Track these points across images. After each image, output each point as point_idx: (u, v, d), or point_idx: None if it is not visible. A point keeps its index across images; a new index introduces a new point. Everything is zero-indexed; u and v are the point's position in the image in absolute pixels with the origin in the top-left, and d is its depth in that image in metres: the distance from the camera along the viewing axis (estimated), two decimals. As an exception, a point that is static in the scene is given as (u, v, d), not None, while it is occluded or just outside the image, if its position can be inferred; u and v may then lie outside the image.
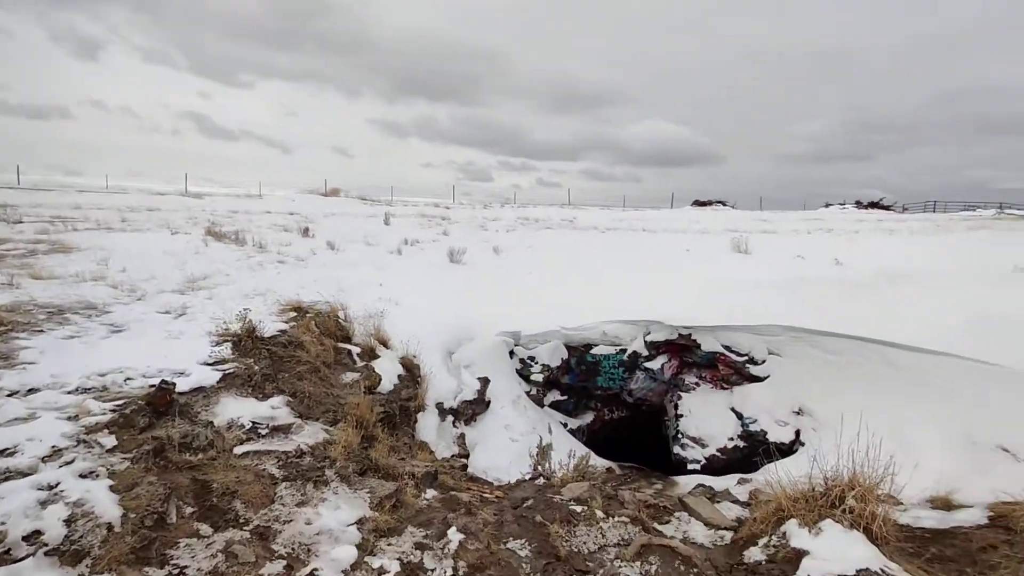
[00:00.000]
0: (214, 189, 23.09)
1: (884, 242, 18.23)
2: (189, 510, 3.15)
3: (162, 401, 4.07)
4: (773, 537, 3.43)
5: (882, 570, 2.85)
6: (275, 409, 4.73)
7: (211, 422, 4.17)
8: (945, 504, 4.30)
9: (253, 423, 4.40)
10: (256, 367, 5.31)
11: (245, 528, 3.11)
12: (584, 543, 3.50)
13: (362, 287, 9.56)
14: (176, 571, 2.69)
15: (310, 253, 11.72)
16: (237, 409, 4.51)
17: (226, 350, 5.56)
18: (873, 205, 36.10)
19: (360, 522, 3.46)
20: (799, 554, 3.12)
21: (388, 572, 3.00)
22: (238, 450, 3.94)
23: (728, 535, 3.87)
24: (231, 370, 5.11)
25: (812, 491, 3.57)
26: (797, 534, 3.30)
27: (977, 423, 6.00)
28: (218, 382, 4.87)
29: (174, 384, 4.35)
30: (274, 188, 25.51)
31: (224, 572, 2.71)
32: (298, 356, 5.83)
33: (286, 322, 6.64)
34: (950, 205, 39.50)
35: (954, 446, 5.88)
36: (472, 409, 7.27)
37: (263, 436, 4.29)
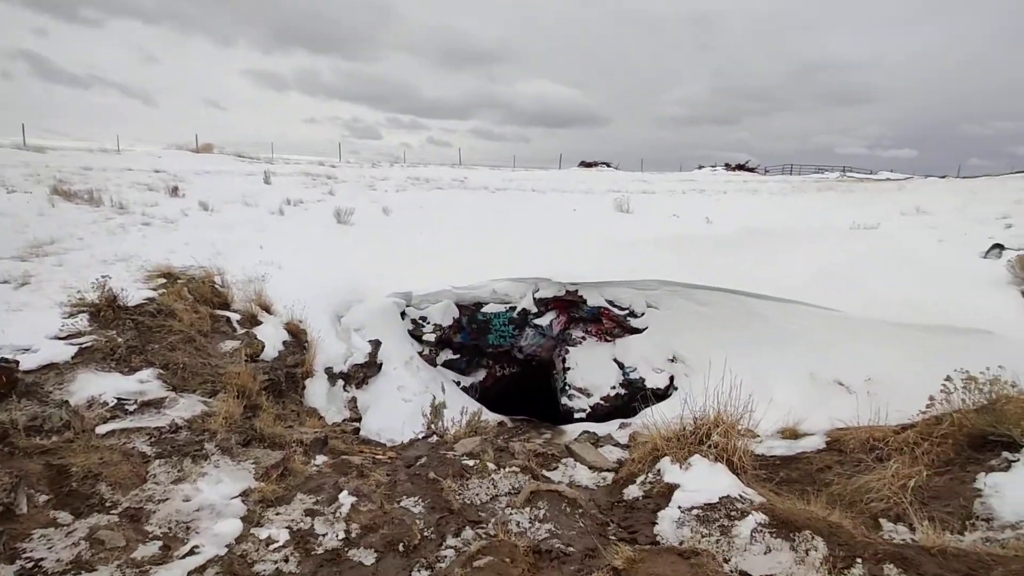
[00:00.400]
0: (61, 142, 20.14)
1: (748, 202, 19.81)
2: (44, 498, 2.86)
3: (2, 382, 3.63)
4: (649, 474, 3.73)
5: (740, 495, 3.20)
6: (144, 383, 4.38)
7: (66, 401, 3.78)
8: (793, 434, 4.88)
9: (118, 399, 4.05)
10: (120, 339, 4.86)
11: (113, 512, 2.88)
12: (476, 495, 3.61)
13: (241, 250, 8.96)
14: (30, 564, 2.45)
15: (180, 214, 10.71)
16: (98, 385, 4.12)
17: (82, 322, 5.03)
18: (740, 167, 38.99)
19: (245, 494, 3.32)
20: (671, 488, 3.42)
21: (277, 541, 2.92)
22: (101, 429, 3.62)
23: (610, 476, 4.15)
24: (89, 344, 4.64)
25: (683, 430, 3.90)
26: (670, 470, 3.60)
27: (820, 362, 6.82)
28: (73, 357, 4.41)
29: (17, 362, 3.89)
30: (135, 143, 22.79)
31: (89, 560, 2.51)
32: (169, 325, 5.40)
33: (154, 289, 6.11)
34: (804, 168, 43.53)
35: (801, 383, 6.65)
36: (363, 372, 7.16)
37: (131, 413, 3.97)
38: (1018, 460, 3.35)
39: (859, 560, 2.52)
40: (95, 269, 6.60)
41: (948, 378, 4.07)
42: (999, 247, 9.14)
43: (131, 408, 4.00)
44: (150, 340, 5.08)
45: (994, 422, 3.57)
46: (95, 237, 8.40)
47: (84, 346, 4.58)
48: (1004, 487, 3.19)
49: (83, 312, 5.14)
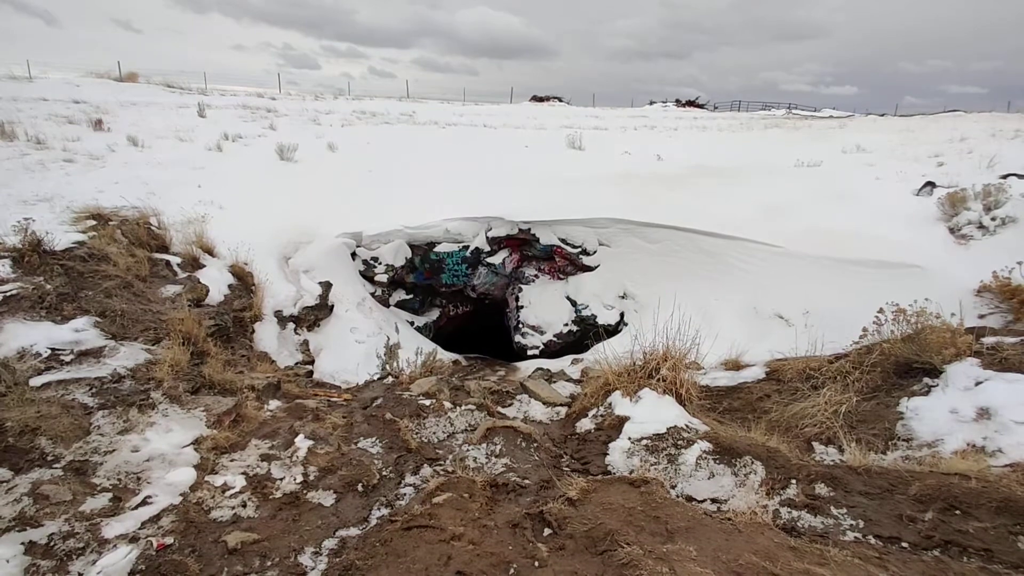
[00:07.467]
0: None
1: (698, 139, 19.92)
2: (-22, 454, 2.74)
3: (-79, 333, 3.39)
4: (601, 408, 3.86)
5: (687, 425, 3.36)
6: (79, 332, 4.17)
7: (-6, 353, 3.58)
8: (735, 365, 5.11)
9: (52, 350, 3.86)
10: (48, 286, 4.58)
11: (56, 466, 2.79)
12: (434, 433, 3.67)
13: (177, 189, 8.49)
14: (-29, 521, 2.37)
15: (107, 150, 9.97)
16: (28, 336, 3.90)
17: (4, 268, 4.70)
18: (690, 104, 39.07)
19: (197, 442, 3.27)
20: (622, 420, 3.56)
21: (233, 488, 2.91)
22: (36, 381, 3.45)
23: (563, 410, 4.28)
24: (14, 291, 4.36)
25: (633, 365, 4.03)
26: (620, 403, 3.74)
27: (762, 296, 7.10)
28: (-3, 306, 4.15)
29: (-65, 312, 3.63)
30: (46, 69, 20.78)
31: (33, 516, 2.43)
32: (103, 270, 5.13)
33: (84, 232, 5.76)
34: (751, 105, 43.98)
35: (745, 317, 6.93)
36: (315, 314, 7.04)
37: (68, 363, 3.79)
38: (937, 385, 3.63)
39: (794, 481, 2.71)
40: (14, 211, 6.16)
41: (880, 310, 4.31)
42: (931, 185, 9.54)
43: (67, 359, 3.82)
44: (83, 286, 4.82)
45: (918, 351, 3.82)
46: (11, 175, 7.79)
47: (8, 294, 4.30)
48: (923, 410, 3.46)
49: (4, 258, 4.81)
